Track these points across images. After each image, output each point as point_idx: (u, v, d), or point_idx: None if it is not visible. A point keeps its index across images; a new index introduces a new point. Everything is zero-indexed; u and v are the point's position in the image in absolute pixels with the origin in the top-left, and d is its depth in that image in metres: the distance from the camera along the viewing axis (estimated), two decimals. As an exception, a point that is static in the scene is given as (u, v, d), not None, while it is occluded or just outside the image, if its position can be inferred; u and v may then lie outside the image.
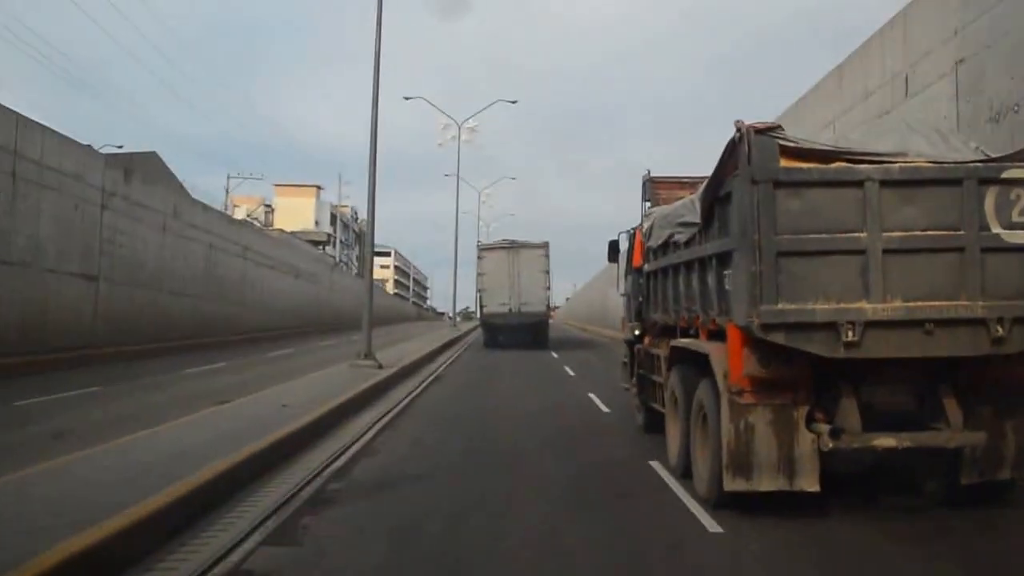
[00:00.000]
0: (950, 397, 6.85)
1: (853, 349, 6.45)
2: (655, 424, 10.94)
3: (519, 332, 32.94)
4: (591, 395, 16.34)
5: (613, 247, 13.57)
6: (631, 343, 12.25)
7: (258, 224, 58.98)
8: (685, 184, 11.63)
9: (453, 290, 46.10)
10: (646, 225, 10.96)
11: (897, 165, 6.69)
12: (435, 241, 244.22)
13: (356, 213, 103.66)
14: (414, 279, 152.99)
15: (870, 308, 6.45)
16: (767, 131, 6.79)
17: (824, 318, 6.47)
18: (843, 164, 6.77)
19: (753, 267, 6.54)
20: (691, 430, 8.21)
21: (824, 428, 6.77)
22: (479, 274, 33.85)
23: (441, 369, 23.91)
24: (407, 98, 45.33)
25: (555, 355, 30.03)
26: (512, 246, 33.63)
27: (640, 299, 11.59)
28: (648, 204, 11.66)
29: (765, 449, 6.87)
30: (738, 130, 6.80)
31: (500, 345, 33.26)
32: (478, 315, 38.89)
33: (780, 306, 6.52)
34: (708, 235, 7.98)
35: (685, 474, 8.39)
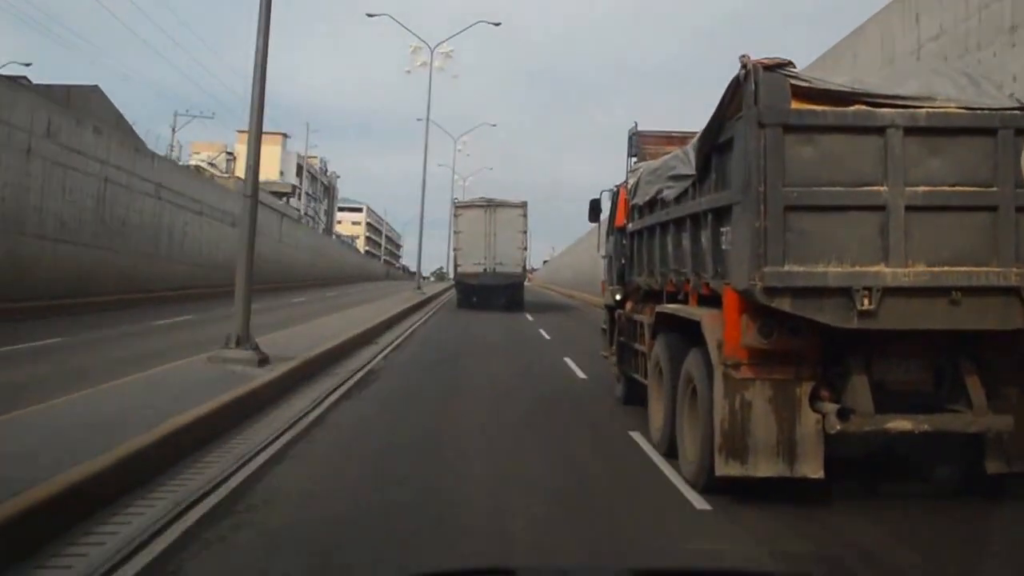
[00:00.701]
0: (973, 375, 6.09)
1: (869, 319, 5.66)
2: (636, 396, 10.25)
3: (493, 293, 32.24)
4: (638, 438, 8.58)
5: (594, 206, 12.72)
6: (612, 308, 11.46)
7: (217, 172, 54.25)
8: (674, 139, 10.81)
9: (419, 245, 40.04)
10: (631, 181, 10.14)
11: (924, 110, 5.85)
12: (411, 200, 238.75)
13: (325, 165, 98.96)
14: (387, 237, 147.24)
15: (889, 272, 5.65)
16: (777, 68, 5.93)
17: (837, 283, 5.67)
18: (862, 107, 5.92)
19: (757, 223, 5.72)
20: (678, 406, 7.46)
21: (831, 408, 6.02)
22: (455, 232, 33.05)
23: (378, 359, 15.20)
24: (370, 15, 39.31)
25: (545, 335, 22.75)
26: (489, 204, 32.64)
27: (623, 261, 10.80)
28: (634, 159, 10.81)
29: (763, 430, 6.13)
30: (743, 66, 5.93)
31: (473, 306, 32.48)
32: (452, 275, 37.51)
33: (787, 268, 5.72)
34: (703, 188, 7.14)
35: (669, 453, 7.65)
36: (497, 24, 41.16)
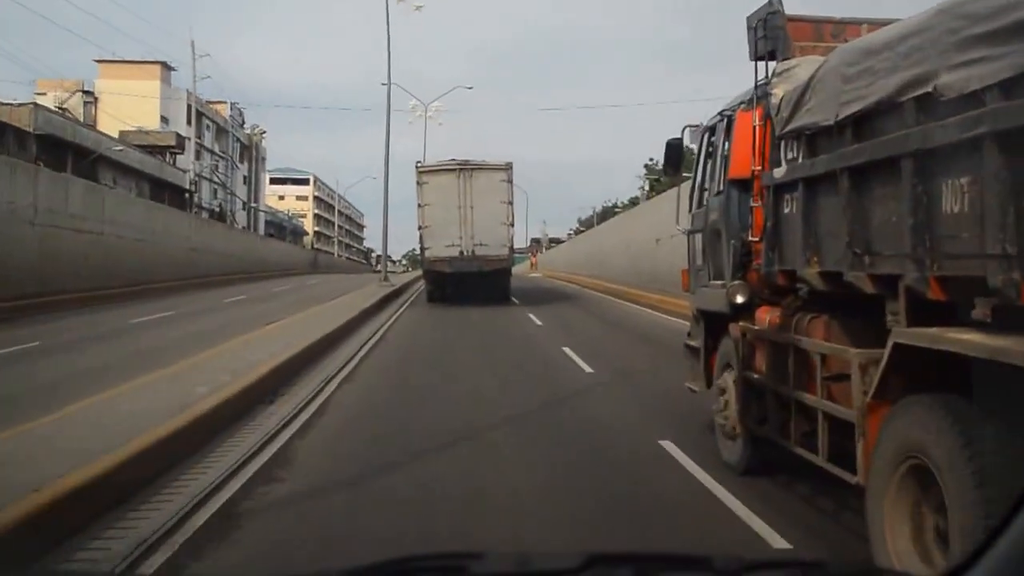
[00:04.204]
0: None
1: None
2: (763, 463, 6.25)
3: (473, 282, 25.12)
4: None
5: (673, 150, 8.10)
6: (717, 317, 6.93)
7: (69, 117, 38.18)
8: (826, 28, 6.46)
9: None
10: (780, 92, 5.62)
11: None
12: (377, 186, 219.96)
13: (242, 115, 67.03)
14: (343, 214, 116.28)
15: None
16: None
17: None
18: None
19: None
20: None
21: None
22: (420, 206, 25.41)
23: None
24: None
25: None
26: (463, 167, 25.27)
27: (750, 237, 6.29)
28: (771, 62, 6.23)
29: None
30: None
31: (448, 299, 25.53)
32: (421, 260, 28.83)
33: None
34: None
35: None
36: (470, 88, 34.95)
